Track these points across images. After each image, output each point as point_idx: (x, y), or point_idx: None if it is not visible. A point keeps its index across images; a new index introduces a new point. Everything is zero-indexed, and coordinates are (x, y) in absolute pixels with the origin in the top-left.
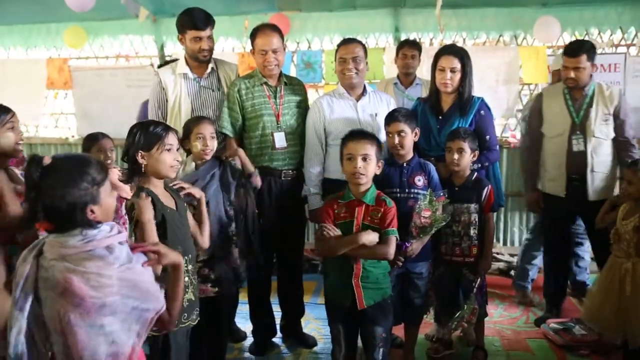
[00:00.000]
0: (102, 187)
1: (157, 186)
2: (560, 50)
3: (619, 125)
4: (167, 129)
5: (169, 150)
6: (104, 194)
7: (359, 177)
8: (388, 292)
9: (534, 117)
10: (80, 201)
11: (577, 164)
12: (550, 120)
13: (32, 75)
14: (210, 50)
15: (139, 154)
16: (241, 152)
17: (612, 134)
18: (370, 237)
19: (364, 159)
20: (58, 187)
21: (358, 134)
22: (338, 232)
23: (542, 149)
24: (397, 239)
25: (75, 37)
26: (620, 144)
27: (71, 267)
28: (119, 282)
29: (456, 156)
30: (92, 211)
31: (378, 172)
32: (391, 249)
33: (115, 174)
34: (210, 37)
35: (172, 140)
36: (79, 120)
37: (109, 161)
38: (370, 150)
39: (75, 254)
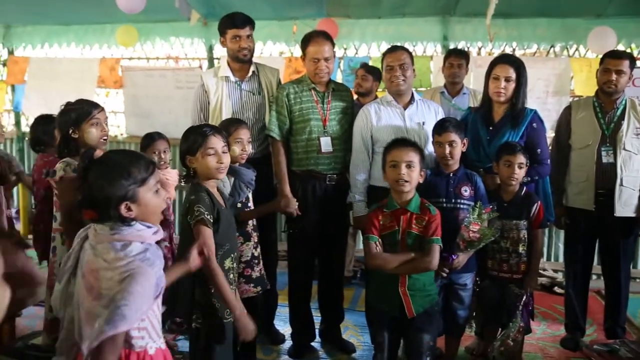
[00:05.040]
0: (143, 187)
1: (212, 185)
2: None
3: None
4: (206, 135)
5: (210, 154)
6: (144, 193)
7: (403, 184)
8: (435, 299)
9: (561, 129)
10: (116, 196)
11: (606, 177)
12: (578, 131)
13: (84, 73)
14: (250, 50)
15: (187, 158)
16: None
17: None
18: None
19: (408, 166)
20: (97, 180)
21: (402, 142)
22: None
23: (569, 163)
24: (440, 248)
25: (127, 35)
26: None
27: (93, 256)
28: (119, 276)
29: (518, 171)
30: (128, 208)
31: (421, 181)
32: (434, 259)
33: (172, 174)
34: (249, 37)
35: (213, 144)
36: (128, 119)
37: (162, 162)
38: (414, 157)
39: (102, 244)
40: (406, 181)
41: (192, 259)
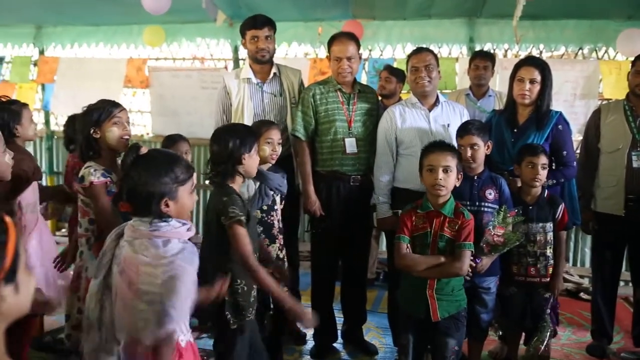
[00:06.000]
0: (182, 186)
1: (237, 187)
2: None
3: None
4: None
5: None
6: (182, 193)
7: (440, 188)
8: (463, 305)
9: (590, 132)
10: (158, 193)
11: (636, 181)
12: (608, 135)
13: (112, 73)
14: (269, 52)
15: (245, 156)
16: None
17: None
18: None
19: (445, 171)
20: (142, 175)
21: (439, 146)
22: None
23: (598, 167)
24: (471, 254)
25: (154, 36)
26: None
27: (132, 252)
28: (162, 274)
29: (541, 172)
30: (167, 205)
31: (458, 184)
32: (465, 265)
33: None
34: (268, 38)
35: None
36: (154, 119)
37: None
38: (452, 162)
39: (140, 240)
40: (443, 186)
41: (216, 286)
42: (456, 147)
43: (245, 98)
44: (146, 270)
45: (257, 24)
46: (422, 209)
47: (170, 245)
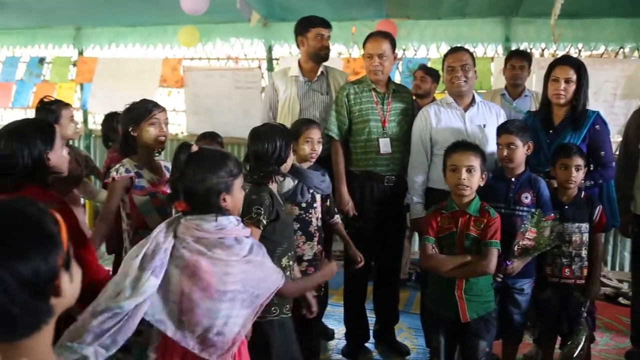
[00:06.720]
0: (236, 180)
1: (274, 186)
2: None
3: None
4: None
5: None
6: (236, 187)
7: (464, 188)
8: (492, 306)
9: (630, 133)
10: (217, 188)
11: None
12: None
13: (148, 73)
14: (329, 50)
15: (290, 155)
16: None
17: None
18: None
19: (469, 171)
20: (200, 172)
21: (462, 145)
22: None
23: (638, 168)
24: (498, 252)
25: (188, 36)
26: None
27: (203, 251)
28: (241, 272)
29: (575, 174)
30: (224, 199)
31: (482, 184)
32: (492, 263)
33: None
34: (329, 38)
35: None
36: (189, 117)
37: None
38: (475, 161)
39: (208, 239)
40: (467, 186)
41: None
42: (485, 148)
43: (292, 95)
44: (225, 270)
45: (325, 23)
46: (447, 210)
47: (243, 244)
